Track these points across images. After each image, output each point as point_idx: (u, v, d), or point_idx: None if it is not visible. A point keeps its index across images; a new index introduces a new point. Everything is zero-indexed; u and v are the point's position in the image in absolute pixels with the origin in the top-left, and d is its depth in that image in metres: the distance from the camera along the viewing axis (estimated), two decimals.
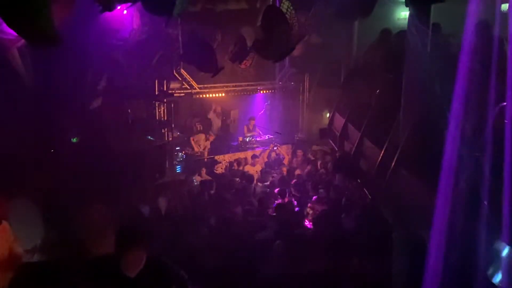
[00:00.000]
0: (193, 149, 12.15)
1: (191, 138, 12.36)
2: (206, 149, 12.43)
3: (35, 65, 7.75)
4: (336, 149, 9.71)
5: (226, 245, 6.57)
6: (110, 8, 6.27)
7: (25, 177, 6.98)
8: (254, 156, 12.00)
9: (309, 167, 10.90)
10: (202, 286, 5.06)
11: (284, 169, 10.99)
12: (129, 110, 10.39)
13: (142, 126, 10.58)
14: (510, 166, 4.07)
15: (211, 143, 12.65)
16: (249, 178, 10.05)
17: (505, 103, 4.36)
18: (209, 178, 10.52)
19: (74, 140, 8.96)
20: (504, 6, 10.09)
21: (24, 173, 7.01)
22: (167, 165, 10.91)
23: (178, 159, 11.74)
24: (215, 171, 11.71)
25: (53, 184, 7.37)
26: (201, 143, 12.37)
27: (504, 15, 10.08)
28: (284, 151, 12.56)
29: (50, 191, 7.18)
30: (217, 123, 13.59)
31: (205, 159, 12.16)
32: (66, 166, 7.92)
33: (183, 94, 12.01)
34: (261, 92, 13.52)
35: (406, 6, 5.65)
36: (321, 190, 8.88)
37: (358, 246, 6.39)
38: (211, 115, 13.45)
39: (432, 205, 4.76)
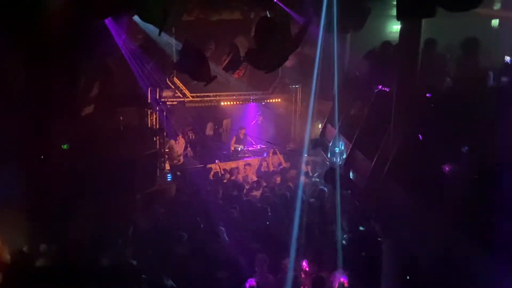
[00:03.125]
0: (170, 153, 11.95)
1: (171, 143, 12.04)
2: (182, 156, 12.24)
3: (27, 70, 7.73)
4: (328, 160, 9.72)
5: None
6: (104, 16, 6.29)
7: (13, 183, 6.92)
8: (246, 165, 12.03)
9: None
10: None
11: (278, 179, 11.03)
12: (121, 118, 10.36)
13: (133, 133, 10.54)
14: None
15: (202, 151, 12.58)
16: (240, 187, 10.05)
17: None
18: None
19: (65, 146, 8.89)
20: (495, 22, 10.28)
21: (12, 179, 6.95)
22: (157, 174, 10.87)
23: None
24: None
25: (42, 189, 7.32)
26: (178, 150, 12.16)
27: (495, 31, 10.26)
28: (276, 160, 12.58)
29: (39, 196, 7.13)
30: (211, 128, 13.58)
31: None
32: (55, 172, 7.87)
33: (175, 103, 12.00)
34: (254, 102, 13.56)
35: (398, 20, 5.71)
36: (312, 200, 8.91)
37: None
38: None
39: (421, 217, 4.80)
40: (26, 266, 5.45)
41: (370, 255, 6.58)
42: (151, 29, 8.95)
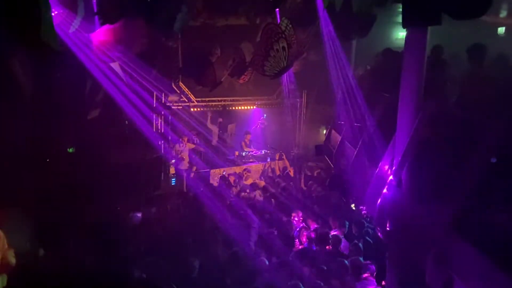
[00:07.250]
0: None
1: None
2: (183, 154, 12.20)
3: (35, 74, 7.78)
4: (332, 166, 9.73)
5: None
6: (112, 21, 6.34)
7: (20, 186, 6.95)
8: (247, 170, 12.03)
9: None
10: None
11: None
12: (126, 122, 10.39)
13: (138, 137, 10.57)
14: None
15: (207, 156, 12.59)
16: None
17: None
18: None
19: (71, 150, 8.94)
20: (501, 30, 10.29)
21: (19, 182, 6.99)
22: (162, 178, 10.89)
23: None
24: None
25: (48, 193, 7.35)
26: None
27: (502, 38, 10.25)
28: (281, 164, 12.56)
29: (45, 200, 7.16)
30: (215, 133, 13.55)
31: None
32: (61, 176, 7.90)
33: (181, 107, 12.04)
34: (259, 107, 13.59)
35: (404, 27, 5.70)
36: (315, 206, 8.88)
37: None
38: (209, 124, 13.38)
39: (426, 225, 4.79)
40: (32, 269, 5.46)
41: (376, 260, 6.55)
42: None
